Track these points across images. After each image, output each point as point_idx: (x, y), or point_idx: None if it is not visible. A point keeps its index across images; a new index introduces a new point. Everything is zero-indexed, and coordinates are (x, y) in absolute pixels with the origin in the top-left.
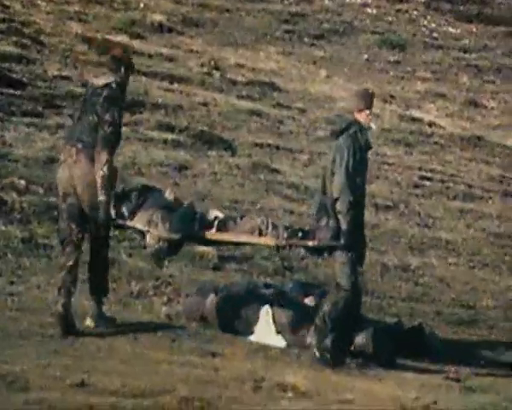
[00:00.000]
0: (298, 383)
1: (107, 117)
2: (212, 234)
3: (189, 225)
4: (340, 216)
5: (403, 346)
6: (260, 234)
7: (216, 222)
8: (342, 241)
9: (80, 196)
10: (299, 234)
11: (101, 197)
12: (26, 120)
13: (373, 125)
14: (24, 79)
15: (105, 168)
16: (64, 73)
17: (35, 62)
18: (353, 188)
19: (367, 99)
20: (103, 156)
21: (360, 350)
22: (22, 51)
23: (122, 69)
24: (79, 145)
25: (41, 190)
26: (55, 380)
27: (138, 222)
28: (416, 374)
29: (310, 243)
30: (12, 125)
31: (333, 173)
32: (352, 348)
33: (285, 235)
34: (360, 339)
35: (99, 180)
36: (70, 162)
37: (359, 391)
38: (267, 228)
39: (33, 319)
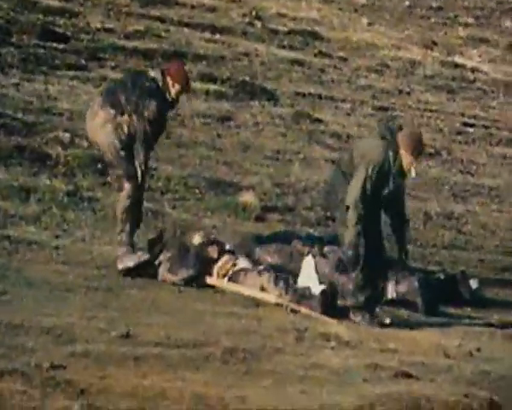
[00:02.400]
0: (341, 333)
1: (147, 113)
2: (221, 282)
3: (194, 268)
4: (348, 224)
5: (446, 294)
6: (263, 289)
7: (230, 272)
8: (349, 253)
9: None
10: (299, 292)
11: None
12: (70, 73)
13: (413, 174)
14: (67, 33)
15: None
16: (107, 26)
17: (78, 15)
18: (365, 200)
19: (417, 147)
20: (141, 152)
21: (404, 299)
22: (65, 4)
23: (174, 85)
24: (112, 111)
25: (85, 143)
26: (101, 332)
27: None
28: (459, 322)
29: (304, 309)
30: (56, 78)
31: (351, 174)
32: (396, 296)
33: (285, 292)
34: (404, 288)
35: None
36: (97, 123)
37: (402, 340)
38: (268, 284)
39: (79, 272)
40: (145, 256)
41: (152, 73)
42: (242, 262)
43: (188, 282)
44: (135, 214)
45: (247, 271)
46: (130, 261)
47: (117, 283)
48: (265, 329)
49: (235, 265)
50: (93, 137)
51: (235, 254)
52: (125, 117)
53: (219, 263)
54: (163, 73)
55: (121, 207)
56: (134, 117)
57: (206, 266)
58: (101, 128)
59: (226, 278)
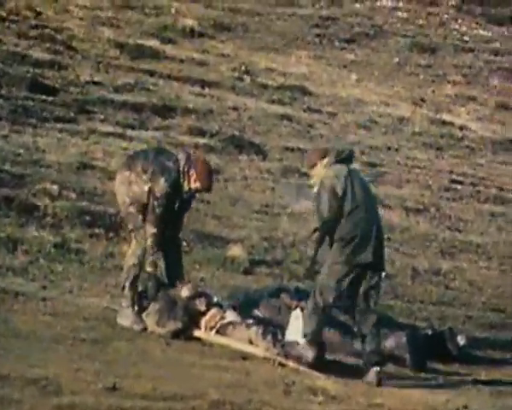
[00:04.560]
0: (328, 387)
1: (156, 189)
2: (209, 335)
3: (182, 320)
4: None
5: (433, 349)
6: (250, 342)
7: (218, 325)
8: None
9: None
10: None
11: (149, 269)
12: (59, 125)
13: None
14: (56, 85)
15: (149, 241)
16: (96, 79)
17: (67, 68)
18: None
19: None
20: (150, 229)
21: (391, 354)
22: (55, 57)
23: (196, 181)
24: (126, 173)
25: (73, 196)
26: (88, 384)
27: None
28: (447, 378)
29: (292, 362)
30: (44, 130)
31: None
32: (384, 351)
33: (273, 345)
34: (392, 343)
35: (147, 250)
36: (116, 183)
37: (389, 395)
38: (256, 337)
39: (65, 324)
40: (140, 326)
41: (180, 155)
42: (230, 315)
43: (175, 334)
44: (138, 272)
45: (234, 324)
46: (126, 321)
47: (104, 334)
48: (253, 382)
49: (223, 318)
50: (116, 195)
51: (223, 307)
52: (137, 179)
53: (207, 316)
54: (188, 161)
55: (127, 264)
56: (145, 186)
57: (193, 318)
58: (118, 188)
59: (214, 331)
